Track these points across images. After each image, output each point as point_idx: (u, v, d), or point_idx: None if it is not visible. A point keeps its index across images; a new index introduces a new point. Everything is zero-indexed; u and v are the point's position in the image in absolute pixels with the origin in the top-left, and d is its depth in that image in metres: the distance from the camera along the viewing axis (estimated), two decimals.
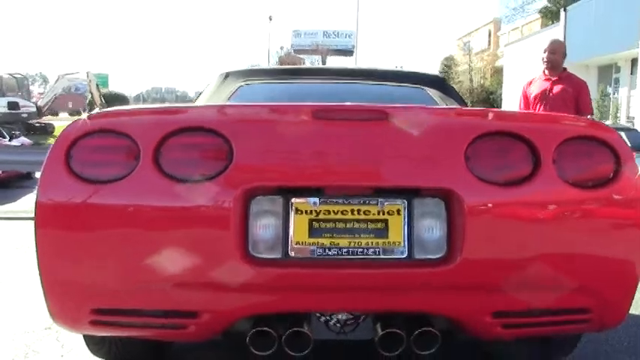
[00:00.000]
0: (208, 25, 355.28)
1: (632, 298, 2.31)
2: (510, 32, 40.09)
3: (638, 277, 2.27)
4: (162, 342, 2.96)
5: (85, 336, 2.76)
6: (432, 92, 3.70)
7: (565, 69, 5.50)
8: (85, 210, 2.10)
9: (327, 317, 2.34)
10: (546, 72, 5.43)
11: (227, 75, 3.82)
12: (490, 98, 36.14)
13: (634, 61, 20.87)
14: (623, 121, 20.96)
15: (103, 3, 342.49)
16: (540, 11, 37.06)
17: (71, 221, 2.11)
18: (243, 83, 3.68)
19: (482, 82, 39.47)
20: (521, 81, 6.14)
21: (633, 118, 20.40)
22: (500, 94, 33.33)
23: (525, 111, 3.04)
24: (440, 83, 3.94)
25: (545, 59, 5.41)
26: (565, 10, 25.21)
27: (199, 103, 3.57)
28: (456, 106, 3.52)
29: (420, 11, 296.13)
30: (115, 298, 2.15)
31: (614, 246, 2.21)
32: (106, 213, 2.10)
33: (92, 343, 2.75)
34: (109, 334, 2.31)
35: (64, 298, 2.18)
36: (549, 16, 34.86)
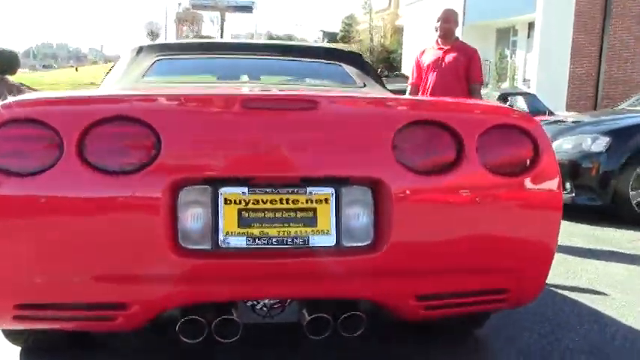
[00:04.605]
0: None
1: (547, 277, 2.45)
2: None
3: (552, 257, 2.41)
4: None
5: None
6: (350, 69, 3.70)
7: (457, 38, 5.56)
8: (6, 203, 2.02)
9: (254, 302, 2.36)
10: (439, 41, 5.44)
11: (140, 49, 3.69)
12: (390, 58, 36.22)
13: (531, 25, 21.39)
14: (520, 84, 21.59)
15: None
16: None
17: None
18: (158, 58, 3.57)
19: (382, 41, 39.50)
20: (421, 42, 6.10)
21: (529, 80, 21.04)
22: (401, 54, 33.50)
23: (451, 99, 3.10)
24: (357, 60, 3.95)
25: (438, 28, 5.42)
26: None
27: (113, 78, 3.43)
28: (372, 82, 3.56)
29: None
30: (41, 293, 2.09)
31: (531, 230, 2.33)
32: (28, 206, 2.02)
33: (11, 333, 2.67)
34: (34, 327, 2.25)
35: None
36: None
